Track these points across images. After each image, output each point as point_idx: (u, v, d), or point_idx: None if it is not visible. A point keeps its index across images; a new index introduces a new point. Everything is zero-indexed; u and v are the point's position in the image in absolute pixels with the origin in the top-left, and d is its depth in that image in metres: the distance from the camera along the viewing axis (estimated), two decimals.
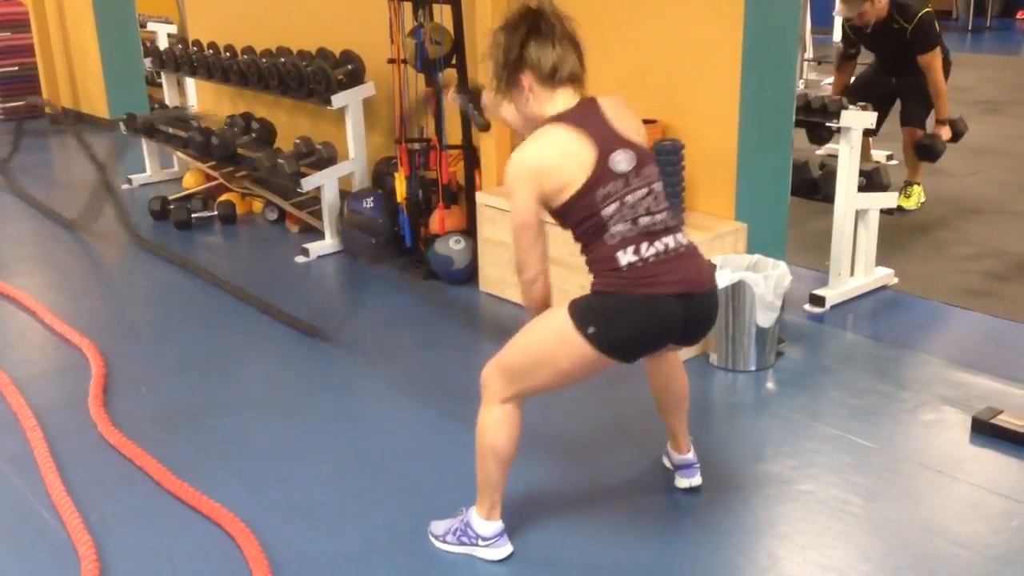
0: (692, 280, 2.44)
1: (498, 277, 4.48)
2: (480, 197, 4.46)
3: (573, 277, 4.00)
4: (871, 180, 4.42)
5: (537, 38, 2.43)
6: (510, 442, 2.54)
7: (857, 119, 4.14)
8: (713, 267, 2.52)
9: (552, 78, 2.45)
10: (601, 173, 2.39)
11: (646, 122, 3.88)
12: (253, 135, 5.74)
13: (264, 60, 5.54)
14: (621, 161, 2.42)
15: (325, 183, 5.09)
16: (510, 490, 2.66)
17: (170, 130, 6.24)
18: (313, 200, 5.47)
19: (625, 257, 2.39)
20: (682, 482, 2.94)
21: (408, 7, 4.62)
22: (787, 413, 3.42)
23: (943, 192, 6.02)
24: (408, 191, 4.78)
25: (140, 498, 3.02)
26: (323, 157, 5.19)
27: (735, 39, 3.72)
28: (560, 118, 2.45)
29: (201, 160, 6.25)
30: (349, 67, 5.17)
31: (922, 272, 4.71)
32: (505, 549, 2.65)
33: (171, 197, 6.09)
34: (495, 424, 2.53)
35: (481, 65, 2.66)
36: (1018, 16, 15.08)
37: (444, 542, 2.70)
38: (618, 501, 2.94)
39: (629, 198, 2.41)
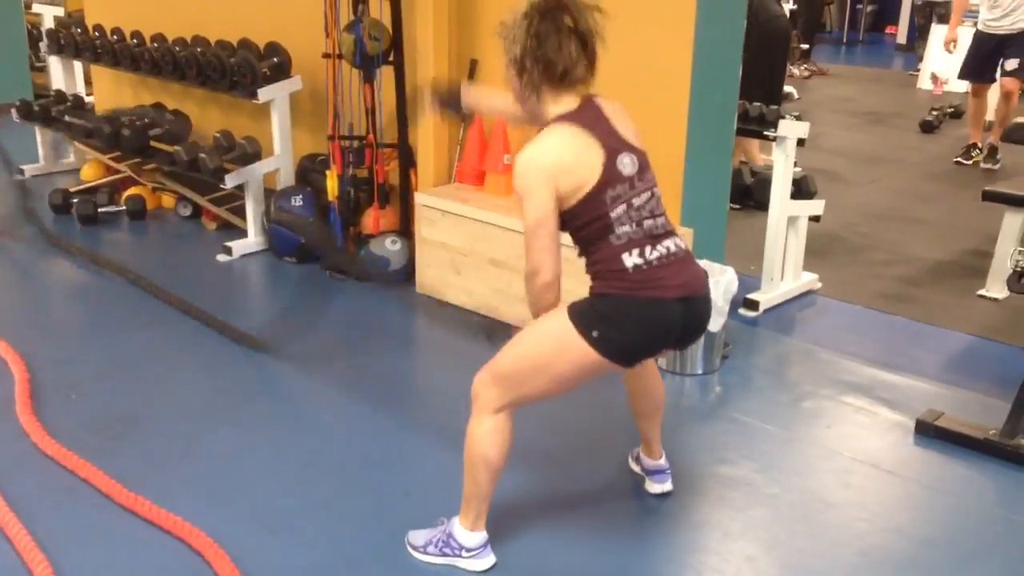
0: (692, 284, 2.44)
1: (437, 279, 4.42)
2: (420, 197, 4.39)
3: (518, 281, 3.99)
4: (799, 188, 4.56)
5: (558, 34, 2.33)
6: (502, 453, 2.50)
7: (793, 129, 4.26)
8: (706, 272, 2.53)
9: (562, 80, 2.39)
10: (610, 175, 2.36)
11: None
12: (167, 127, 5.50)
13: (180, 49, 5.31)
14: (627, 164, 2.40)
15: (250, 179, 4.91)
16: None
17: (67, 118, 5.92)
18: (231, 196, 5.28)
19: (631, 259, 2.37)
20: (654, 487, 2.96)
21: (345, 1, 4.51)
22: (740, 416, 3.48)
23: (849, 199, 6.26)
24: (340, 190, 4.67)
25: (89, 512, 2.84)
26: (246, 152, 5.01)
27: (686, 46, 3.76)
28: (568, 118, 2.40)
29: (103, 151, 5.95)
30: (275, 60, 5.01)
31: (842, 277, 4.88)
32: (489, 560, 2.61)
33: (72, 190, 5.78)
34: (488, 435, 2.48)
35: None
36: (887, 31, 15.82)
37: (425, 553, 2.63)
38: (592, 507, 2.93)
39: (635, 200, 2.40)
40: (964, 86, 10.42)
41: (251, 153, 5.02)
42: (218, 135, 5.16)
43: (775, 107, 4.54)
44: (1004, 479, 3.12)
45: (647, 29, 3.87)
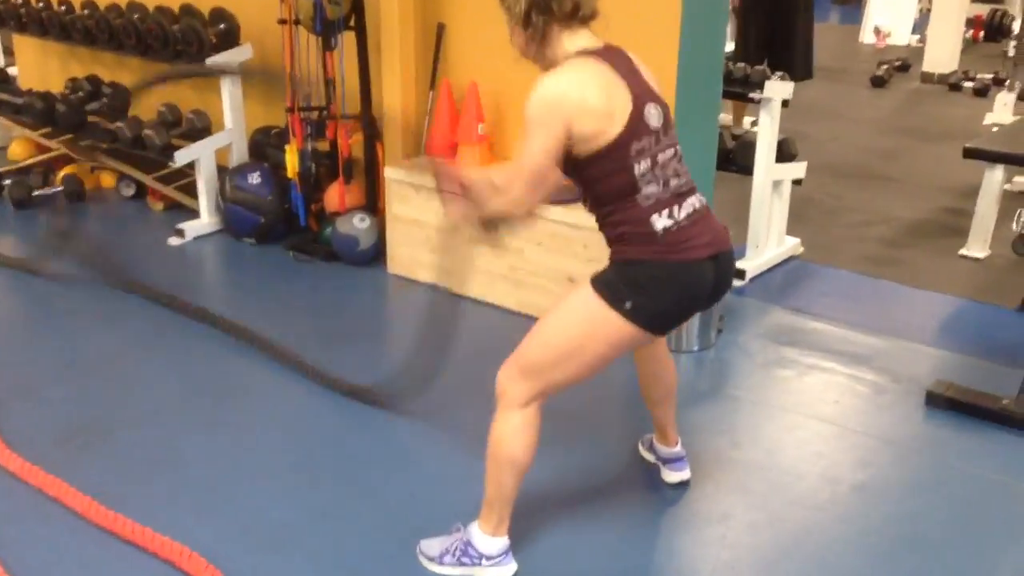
0: (718, 241, 2.28)
1: (409, 257, 4.19)
2: (390, 172, 4.14)
3: (500, 258, 3.80)
4: (781, 150, 4.42)
5: None
6: (530, 451, 2.31)
7: (779, 90, 4.11)
8: (726, 227, 2.37)
9: (574, 16, 2.20)
10: (636, 125, 2.15)
11: None
12: (104, 100, 5.13)
13: (115, 17, 4.94)
14: (653, 115, 2.20)
15: (201, 156, 4.59)
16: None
17: None
18: (178, 174, 4.95)
19: (660, 221, 2.18)
20: (672, 476, 2.80)
21: None
22: (745, 395, 3.35)
23: (814, 157, 6.12)
24: (301, 165, 4.39)
25: (62, 534, 2.58)
26: (195, 127, 4.69)
27: (674, 6, 3.56)
28: (593, 53, 2.19)
29: (33, 128, 5.55)
30: (222, 27, 4.67)
31: (823, 241, 4.78)
32: (510, 567, 2.43)
33: (1, 170, 5.38)
34: (515, 433, 2.29)
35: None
36: None
37: (441, 564, 2.44)
38: (610, 502, 2.76)
39: (660, 156, 2.20)
40: (907, 39, 10.49)
41: (200, 128, 4.71)
42: (163, 108, 4.83)
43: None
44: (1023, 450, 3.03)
45: None
